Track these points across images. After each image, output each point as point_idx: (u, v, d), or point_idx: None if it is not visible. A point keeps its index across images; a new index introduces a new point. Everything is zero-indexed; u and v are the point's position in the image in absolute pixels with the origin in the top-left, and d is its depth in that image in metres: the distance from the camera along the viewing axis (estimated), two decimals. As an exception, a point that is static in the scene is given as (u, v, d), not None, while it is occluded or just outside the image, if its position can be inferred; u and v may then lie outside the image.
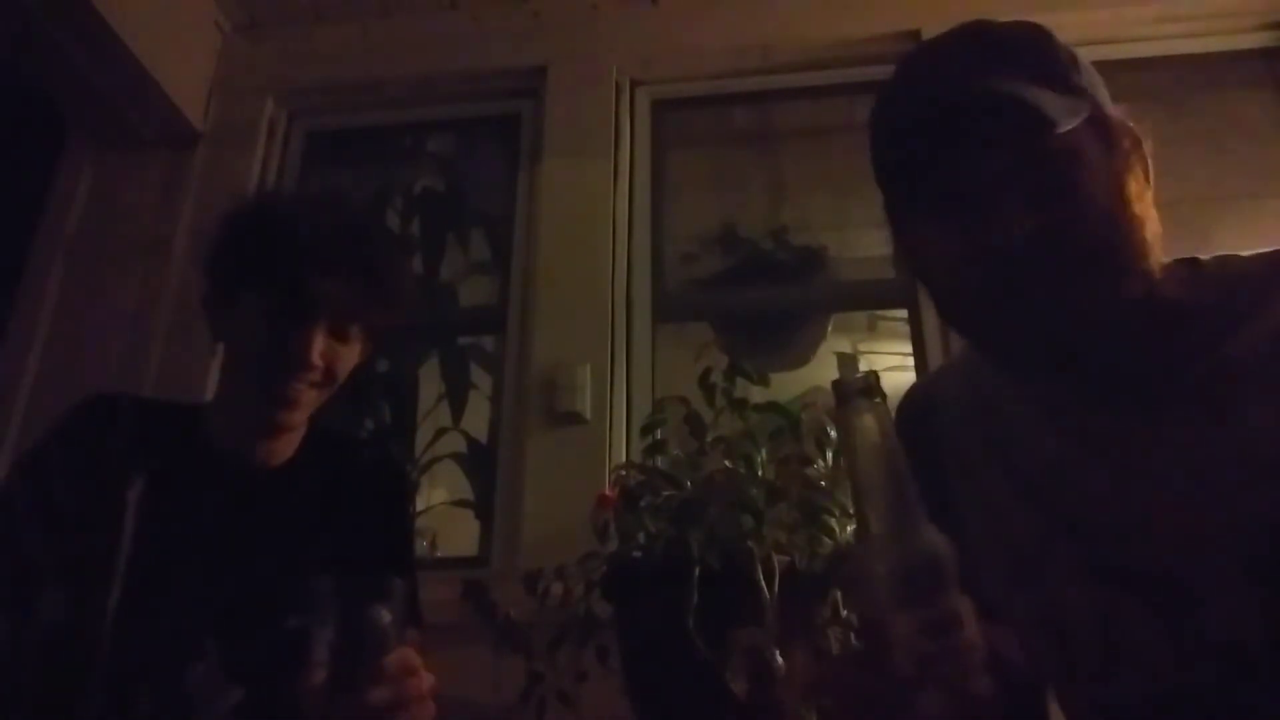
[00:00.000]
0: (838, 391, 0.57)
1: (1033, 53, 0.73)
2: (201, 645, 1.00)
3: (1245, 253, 0.77)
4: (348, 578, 0.84)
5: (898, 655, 0.50)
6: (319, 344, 1.06)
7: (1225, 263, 0.76)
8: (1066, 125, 0.68)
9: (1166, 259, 0.75)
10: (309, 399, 1.09)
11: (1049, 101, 0.68)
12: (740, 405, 1.39)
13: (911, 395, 0.94)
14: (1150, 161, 0.75)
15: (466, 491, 2.22)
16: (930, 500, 0.83)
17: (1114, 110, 0.75)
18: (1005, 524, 0.78)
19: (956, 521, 0.81)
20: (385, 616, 0.82)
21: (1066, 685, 0.78)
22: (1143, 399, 0.71)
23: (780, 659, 1.21)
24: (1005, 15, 0.78)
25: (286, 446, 1.16)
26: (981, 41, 0.75)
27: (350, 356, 1.12)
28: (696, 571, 1.22)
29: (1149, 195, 0.74)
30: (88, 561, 1.00)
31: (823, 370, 2.54)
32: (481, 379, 2.32)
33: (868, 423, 0.56)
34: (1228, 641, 0.65)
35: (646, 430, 1.47)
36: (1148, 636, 0.68)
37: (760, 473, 1.32)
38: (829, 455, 1.35)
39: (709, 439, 1.37)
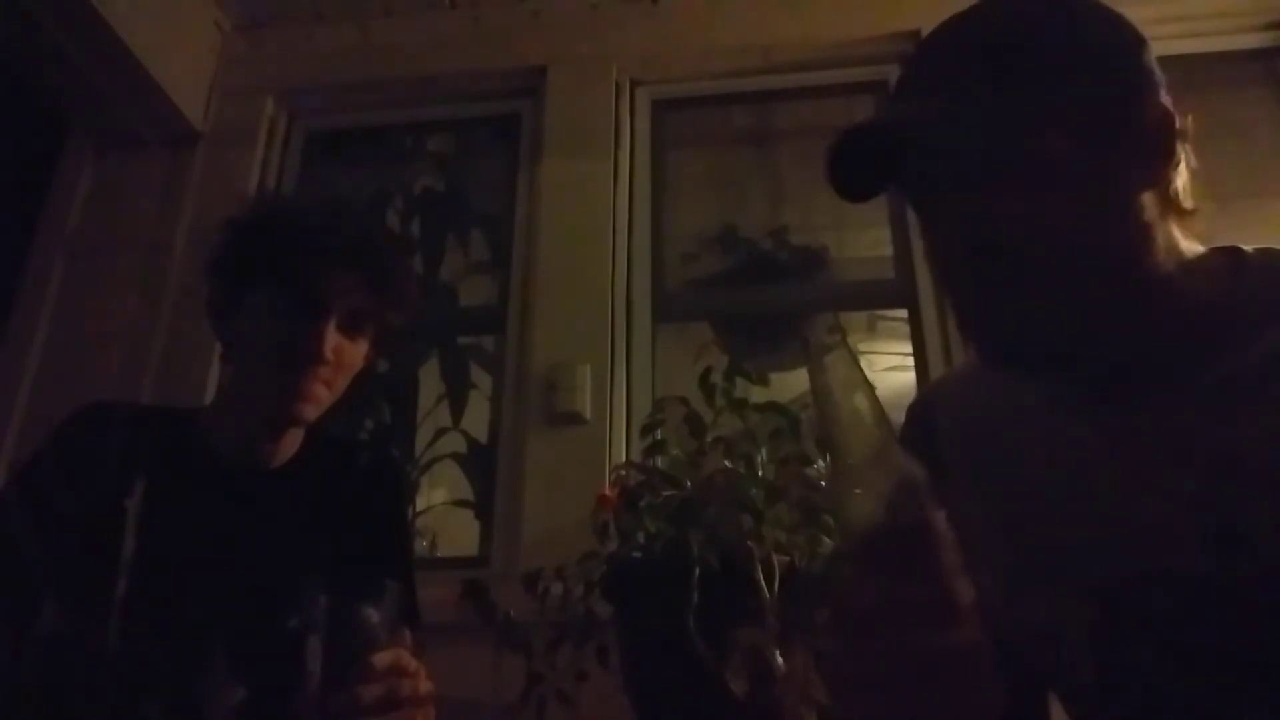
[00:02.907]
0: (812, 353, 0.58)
1: (992, 58, 0.71)
2: (207, 648, 1.00)
3: None
4: (340, 579, 0.85)
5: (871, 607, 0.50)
6: (331, 338, 1.07)
7: (1270, 254, 0.72)
8: (987, 149, 0.67)
9: (1202, 247, 0.73)
10: (320, 395, 1.09)
11: (980, 122, 0.67)
12: (740, 405, 1.39)
13: (913, 403, 0.93)
14: (1179, 138, 0.71)
15: (466, 491, 2.22)
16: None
17: (1120, 89, 0.71)
18: (1007, 529, 0.76)
19: (956, 529, 0.81)
20: (373, 616, 0.83)
21: (1066, 695, 0.77)
22: (1165, 393, 0.68)
23: (780, 659, 1.21)
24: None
25: (286, 448, 1.16)
26: (939, 49, 0.75)
27: (357, 355, 1.13)
28: (696, 571, 1.22)
29: (1156, 182, 0.70)
30: (88, 571, 1.00)
31: (822, 370, 2.53)
32: (481, 379, 2.32)
33: (834, 365, 0.57)
34: (1250, 646, 0.63)
35: (646, 430, 1.47)
36: (1152, 643, 0.67)
37: (760, 473, 1.32)
38: (829, 455, 1.35)
39: (709, 439, 1.37)
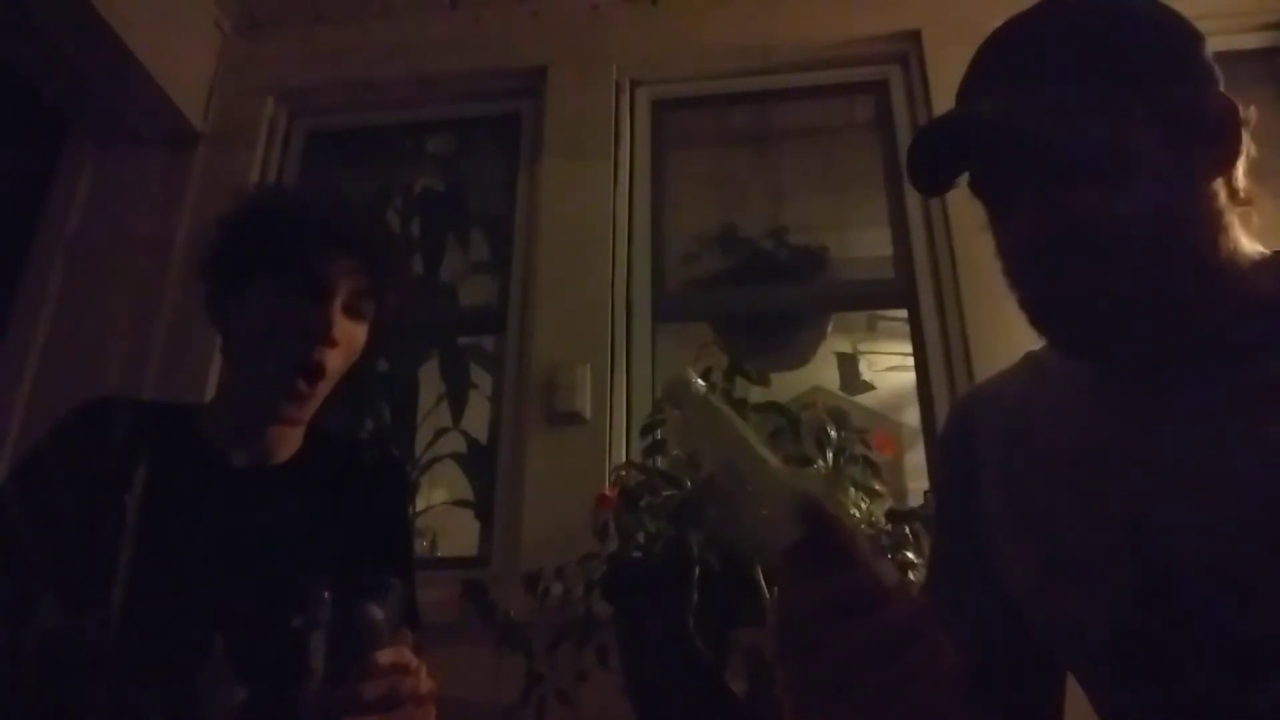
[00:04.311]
0: (672, 398, 0.60)
1: (1058, 49, 0.73)
2: (208, 645, 1.00)
3: None
4: (343, 576, 0.85)
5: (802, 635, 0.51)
6: (338, 318, 1.08)
7: None
8: (1059, 151, 0.69)
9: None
10: (320, 390, 1.10)
11: (1045, 124, 0.69)
12: (740, 405, 1.39)
13: (954, 405, 0.95)
14: (1245, 135, 0.74)
15: (466, 491, 2.22)
16: (962, 508, 0.83)
17: (1188, 80, 0.73)
18: (1038, 524, 0.77)
19: (987, 525, 0.81)
20: (377, 613, 0.83)
21: (1090, 687, 0.77)
22: (1216, 389, 0.69)
23: (780, 659, 1.20)
24: (1006, 16, 0.78)
25: (287, 445, 1.16)
26: (1012, 44, 0.76)
27: (359, 340, 1.13)
28: (696, 571, 1.22)
29: (1222, 179, 0.72)
30: (88, 567, 1.00)
31: (823, 370, 2.54)
32: (481, 379, 2.33)
33: (704, 408, 0.59)
34: (1270, 637, 0.63)
35: (646, 430, 1.47)
36: (1173, 637, 0.67)
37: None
38: (829, 455, 1.35)
39: (709, 439, 1.37)
